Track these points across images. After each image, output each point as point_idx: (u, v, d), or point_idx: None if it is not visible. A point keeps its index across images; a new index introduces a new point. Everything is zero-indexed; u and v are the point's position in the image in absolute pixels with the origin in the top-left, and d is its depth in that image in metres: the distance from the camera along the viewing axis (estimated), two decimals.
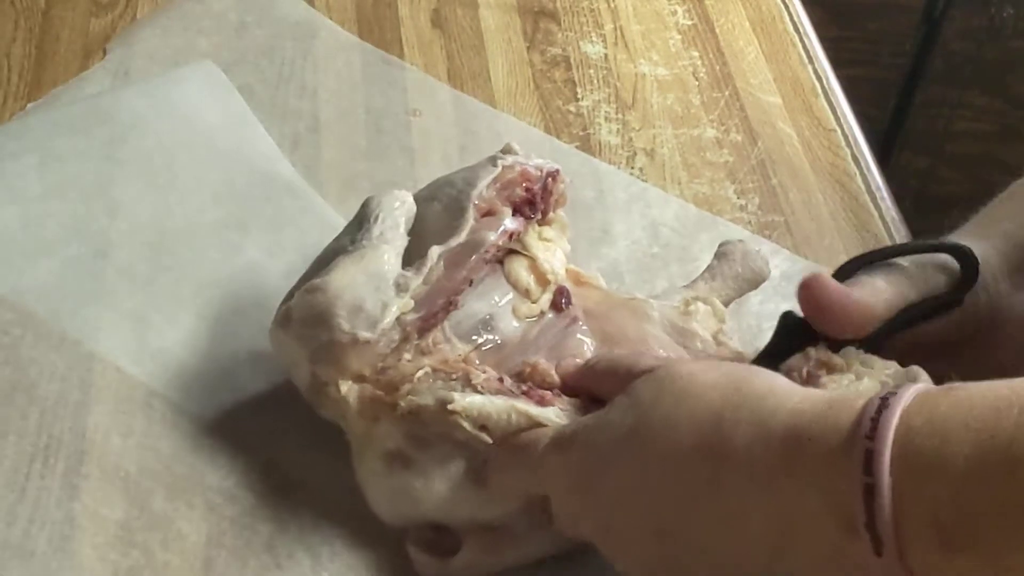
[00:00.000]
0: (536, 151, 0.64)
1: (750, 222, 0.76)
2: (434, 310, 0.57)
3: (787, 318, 0.58)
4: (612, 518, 0.51)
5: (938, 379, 0.55)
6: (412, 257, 0.58)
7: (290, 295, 0.58)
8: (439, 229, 0.59)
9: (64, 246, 0.67)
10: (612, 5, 0.92)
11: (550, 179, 0.62)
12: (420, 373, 0.56)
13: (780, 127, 0.83)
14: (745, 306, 0.70)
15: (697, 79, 0.86)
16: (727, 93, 0.85)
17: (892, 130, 1.63)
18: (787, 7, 0.94)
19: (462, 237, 0.59)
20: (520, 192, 0.61)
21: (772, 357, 0.57)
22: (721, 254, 0.66)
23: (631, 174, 0.79)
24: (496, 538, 0.55)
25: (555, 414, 0.54)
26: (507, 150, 0.63)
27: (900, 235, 0.76)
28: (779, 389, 0.47)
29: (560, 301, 0.61)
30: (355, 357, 0.55)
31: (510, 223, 0.60)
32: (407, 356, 0.56)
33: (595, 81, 0.85)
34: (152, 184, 0.72)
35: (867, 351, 0.56)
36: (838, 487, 0.43)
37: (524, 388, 0.56)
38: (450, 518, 0.55)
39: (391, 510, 0.56)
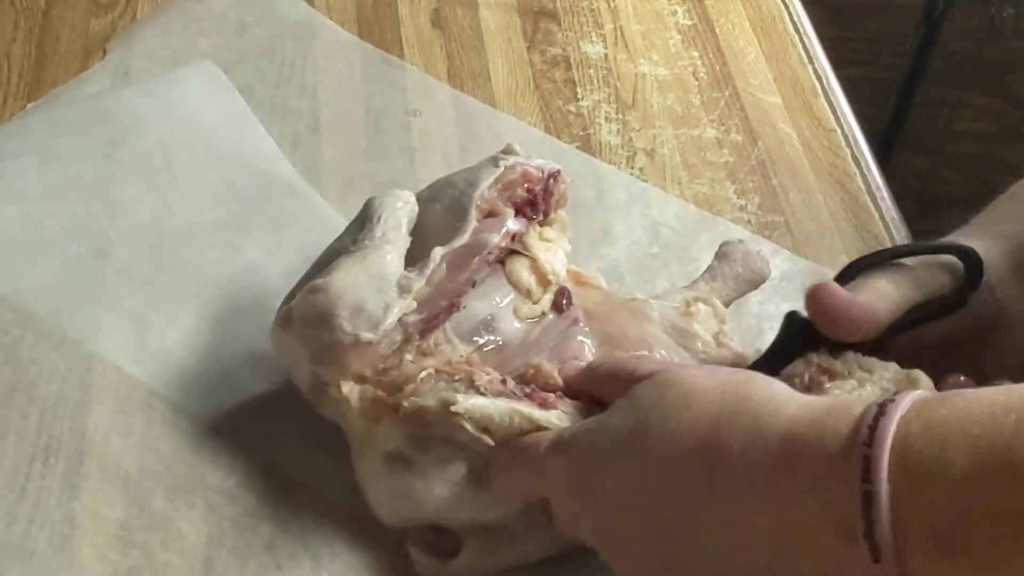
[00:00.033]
0: (536, 151, 0.64)
1: (750, 222, 0.76)
2: (436, 311, 0.57)
3: (792, 319, 0.58)
4: (612, 520, 0.51)
5: (942, 379, 0.55)
6: (413, 258, 0.58)
7: (291, 295, 0.58)
8: (441, 230, 0.59)
9: (64, 246, 0.67)
10: (612, 5, 0.92)
11: (551, 180, 0.62)
12: (423, 374, 0.56)
13: (780, 127, 0.83)
14: (745, 307, 0.70)
15: (697, 79, 0.86)
16: (727, 93, 0.85)
17: (892, 130, 1.63)
18: (787, 7, 0.94)
19: (465, 238, 0.59)
20: (522, 193, 0.61)
21: (776, 357, 0.57)
22: (721, 254, 0.66)
23: (631, 174, 0.79)
24: (496, 539, 0.55)
25: (557, 417, 0.54)
26: (508, 150, 0.63)
27: (900, 235, 0.76)
28: (777, 395, 0.47)
29: (561, 302, 0.61)
30: (357, 358, 0.55)
31: (512, 224, 0.60)
32: (408, 357, 0.56)
33: (595, 81, 0.85)
34: (152, 184, 0.72)
35: (870, 352, 0.56)
36: (836, 494, 0.43)
37: (527, 390, 0.56)
38: (450, 519, 0.55)
39: (391, 511, 0.56)
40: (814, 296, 0.55)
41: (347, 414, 0.56)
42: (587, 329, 0.60)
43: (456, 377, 0.55)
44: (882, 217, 0.78)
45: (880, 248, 0.74)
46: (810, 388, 0.55)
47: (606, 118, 0.82)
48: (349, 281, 0.56)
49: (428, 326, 0.57)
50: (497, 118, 0.81)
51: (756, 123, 0.83)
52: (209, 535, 0.56)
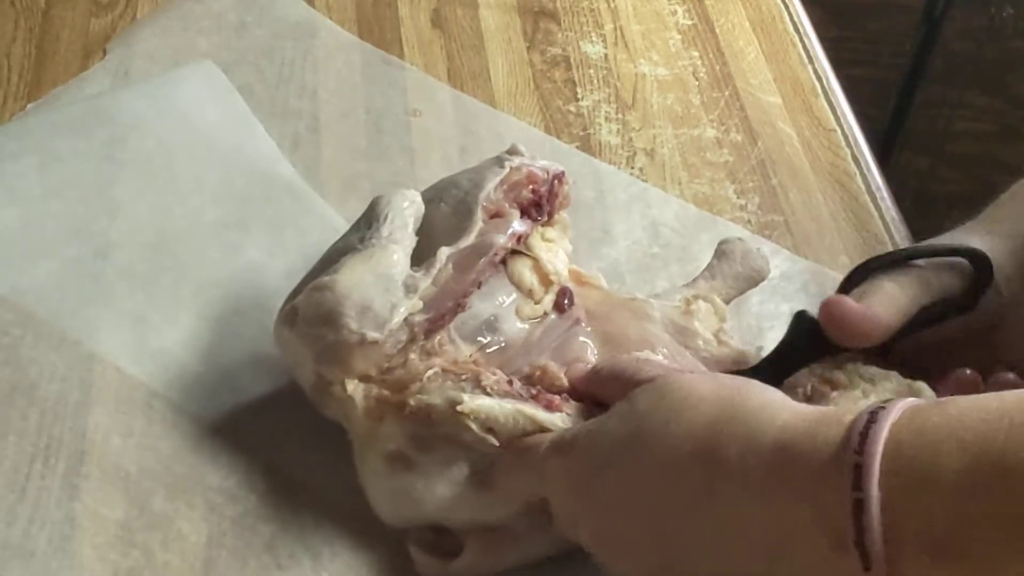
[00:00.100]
0: (536, 151, 0.64)
1: (750, 222, 0.76)
2: (442, 312, 0.57)
3: (801, 319, 0.58)
4: (610, 523, 0.51)
5: (947, 375, 0.56)
6: (418, 257, 0.58)
7: (295, 293, 0.58)
8: (446, 230, 0.59)
9: (64, 246, 0.67)
10: (612, 5, 0.92)
11: (556, 181, 0.62)
12: (430, 372, 0.56)
13: (780, 127, 0.83)
14: (745, 306, 0.70)
15: (697, 79, 0.86)
16: (727, 93, 0.85)
17: (892, 130, 1.64)
18: (787, 7, 0.94)
19: (471, 239, 0.58)
20: (527, 194, 0.61)
21: (784, 356, 0.57)
22: (721, 253, 0.66)
23: (631, 174, 0.79)
24: (497, 539, 0.55)
25: (562, 419, 0.54)
26: (513, 151, 0.63)
27: (900, 235, 0.76)
28: (772, 403, 0.47)
29: (563, 302, 0.61)
30: (362, 357, 0.55)
31: (518, 226, 0.60)
32: (413, 356, 0.56)
33: (595, 81, 0.85)
34: (152, 184, 0.72)
35: (877, 354, 0.56)
36: (828, 502, 0.43)
37: (533, 391, 0.56)
38: (451, 519, 0.55)
39: (392, 511, 0.56)
40: (827, 309, 0.56)
41: (350, 413, 0.56)
42: (588, 329, 0.60)
43: (463, 377, 0.55)
44: (882, 217, 0.78)
45: (880, 247, 0.74)
46: (812, 398, 0.55)
47: (606, 118, 0.82)
48: (355, 280, 0.56)
49: (434, 326, 0.57)
50: (497, 118, 0.81)
51: (756, 123, 0.83)
52: (209, 535, 0.56)
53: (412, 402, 0.55)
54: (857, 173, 0.81)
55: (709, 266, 0.66)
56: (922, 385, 0.54)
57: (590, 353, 0.59)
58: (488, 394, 0.54)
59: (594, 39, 0.89)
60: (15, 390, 0.60)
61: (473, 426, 0.54)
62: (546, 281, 0.61)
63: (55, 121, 0.74)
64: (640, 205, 0.76)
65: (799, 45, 0.90)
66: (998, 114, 1.62)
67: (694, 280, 0.65)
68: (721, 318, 0.62)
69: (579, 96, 0.84)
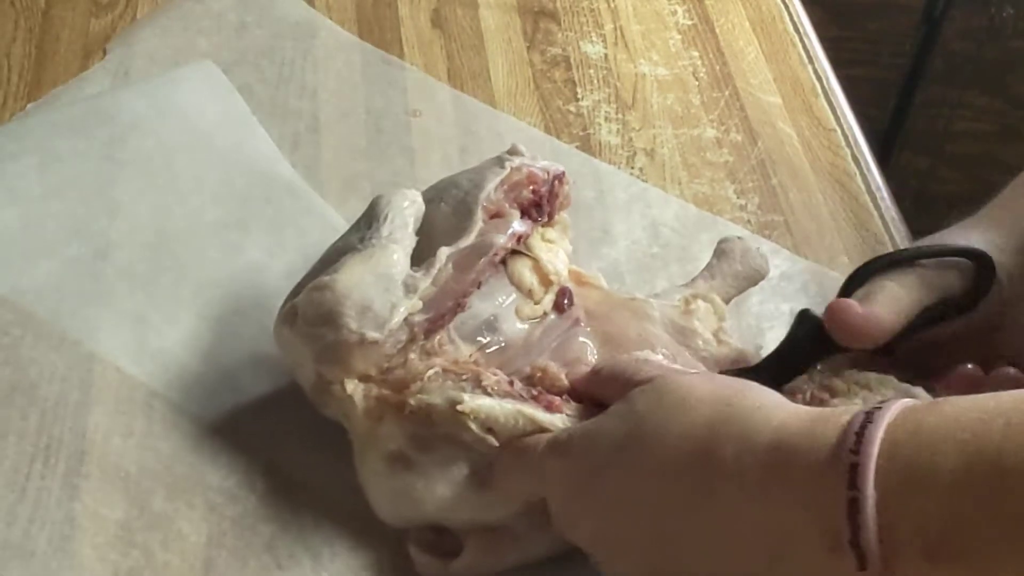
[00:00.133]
0: (536, 151, 0.64)
1: (750, 222, 0.76)
2: (442, 312, 0.57)
3: (804, 317, 0.58)
4: (606, 525, 0.51)
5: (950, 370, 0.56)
6: (418, 257, 0.58)
7: (295, 292, 0.58)
8: (446, 230, 0.59)
9: (64, 246, 0.67)
10: (612, 5, 0.92)
11: (556, 181, 0.62)
12: (430, 372, 0.56)
13: (780, 127, 0.83)
14: (745, 306, 0.70)
15: (697, 79, 0.86)
16: (727, 93, 0.85)
17: (892, 130, 1.64)
18: (787, 7, 0.94)
19: (471, 239, 0.58)
20: (527, 194, 0.61)
21: (787, 355, 0.57)
22: (720, 252, 0.66)
23: (631, 174, 0.79)
24: (497, 539, 0.55)
25: (562, 421, 0.54)
26: (513, 151, 0.63)
27: (900, 235, 0.76)
28: (769, 403, 0.48)
29: (563, 302, 0.61)
30: (362, 357, 0.55)
31: (518, 226, 0.60)
32: (413, 356, 0.56)
33: (595, 81, 0.85)
34: (152, 184, 0.72)
35: (879, 353, 0.56)
36: (823, 501, 0.43)
37: (534, 392, 0.56)
38: (451, 520, 0.55)
39: (392, 511, 0.56)
40: (832, 314, 0.56)
41: (350, 413, 0.56)
42: (588, 329, 0.60)
43: (463, 377, 0.55)
44: (882, 217, 0.78)
45: (880, 247, 0.74)
46: (811, 405, 0.55)
47: (606, 118, 0.82)
48: (355, 280, 0.56)
49: (433, 326, 0.57)
50: (497, 118, 0.81)
51: (756, 123, 0.83)
52: (209, 535, 0.56)
53: (412, 402, 0.55)
54: (857, 173, 0.81)
55: (708, 265, 0.66)
56: (919, 390, 0.55)
57: (590, 353, 0.59)
58: (488, 394, 0.54)
59: (594, 39, 0.89)
60: (15, 390, 0.60)
61: (473, 426, 0.54)
62: (546, 281, 0.61)
63: (55, 121, 0.74)
64: (640, 205, 0.76)
65: (799, 45, 0.90)
66: (998, 114, 1.62)
67: (693, 279, 0.65)
68: (720, 317, 0.62)
69: (579, 96, 0.84)
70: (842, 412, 0.45)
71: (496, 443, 0.54)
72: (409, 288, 0.56)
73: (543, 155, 0.64)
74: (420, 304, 0.56)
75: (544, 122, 0.81)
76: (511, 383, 0.56)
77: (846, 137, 0.83)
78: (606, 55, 0.87)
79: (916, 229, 0.77)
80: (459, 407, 0.53)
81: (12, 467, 0.57)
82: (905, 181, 1.63)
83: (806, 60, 0.89)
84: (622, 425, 0.50)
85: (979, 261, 0.57)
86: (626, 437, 0.50)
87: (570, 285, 0.62)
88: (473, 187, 0.60)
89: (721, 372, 0.59)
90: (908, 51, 1.59)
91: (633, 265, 0.72)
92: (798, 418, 0.46)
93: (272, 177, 0.74)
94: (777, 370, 0.57)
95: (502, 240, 0.59)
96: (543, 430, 0.54)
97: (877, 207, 0.78)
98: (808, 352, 0.57)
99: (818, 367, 0.58)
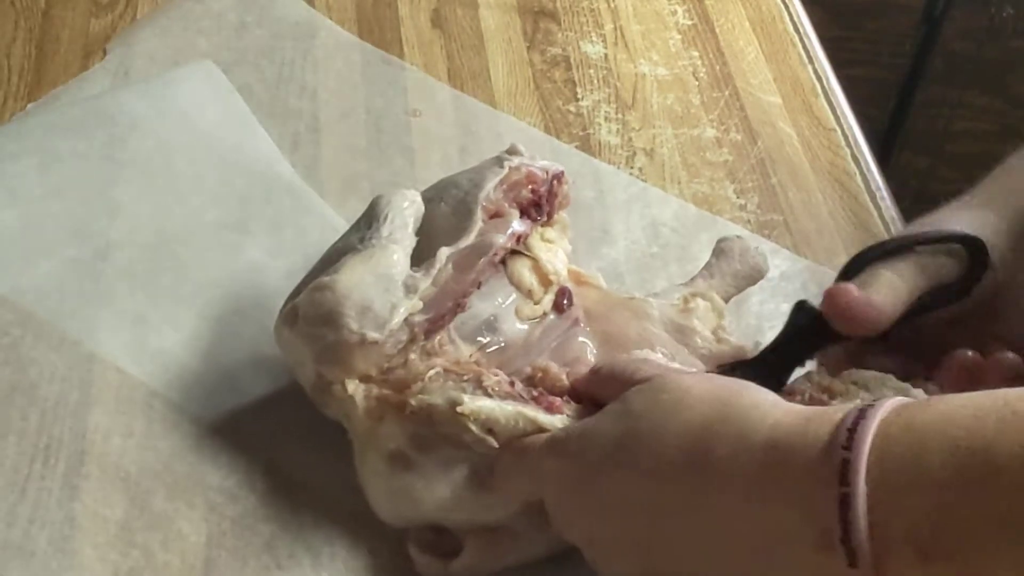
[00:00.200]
0: (536, 151, 0.64)
1: (749, 221, 0.76)
2: (442, 312, 0.57)
3: (801, 309, 0.58)
4: (601, 525, 0.51)
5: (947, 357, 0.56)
6: (418, 257, 0.58)
7: (295, 293, 0.58)
8: (446, 230, 0.59)
9: (64, 246, 0.67)
10: (612, 5, 0.92)
11: (555, 181, 0.62)
12: (431, 372, 0.56)
13: (780, 127, 0.83)
14: (745, 306, 0.70)
15: (697, 79, 0.86)
16: (727, 93, 0.85)
17: (892, 130, 1.64)
18: (787, 7, 0.94)
19: (470, 239, 0.58)
20: (526, 194, 0.61)
21: (784, 347, 0.57)
22: (719, 251, 0.66)
23: (631, 174, 0.79)
24: (497, 539, 0.55)
25: (561, 422, 0.54)
26: (512, 151, 0.63)
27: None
28: (765, 402, 0.47)
29: (562, 302, 0.61)
30: (362, 357, 0.55)
31: (518, 226, 0.60)
32: (413, 356, 0.56)
33: (595, 81, 0.85)
34: (152, 185, 0.72)
35: (876, 341, 0.56)
36: (815, 499, 0.42)
37: (535, 393, 0.56)
38: (451, 520, 0.55)
39: (392, 511, 0.56)
40: (831, 297, 0.56)
41: (351, 413, 0.56)
42: (587, 329, 0.60)
43: (464, 377, 0.55)
44: (881, 216, 0.78)
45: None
46: (809, 406, 0.55)
47: (606, 118, 0.82)
48: (356, 280, 0.56)
49: (434, 326, 0.57)
50: (497, 118, 0.81)
51: (756, 123, 0.83)
52: (209, 535, 0.56)
53: (413, 402, 0.55)
54: (857, 173, 0.81)
55: (708, 264, 0.66)
56: (919, 391, 0.55)
57: (589, 353, 0.59)
58: (489, 395, 0.54)
59: (594, 39, 0.89)
60: (15, 390, 0.60)
61: (473, 427, 0.54)
62: (545, 281, 0.61)
63: (55, 122, 0.74)
64: (639, 205, 0.76)
65: (799, 45, 0.90)
66: (998, 114, 1.62)
67: (692, 279, 0.65)
68: (720, 316, 0.62)
69: (579, 96, 0.84)
70: (836, 410, 0.45)
71: (496, 444, 0.54)
72: (409, 288, 0.56)
73: (543, 155, 0.64)
74: (420, 304, 0.56)
75: (544, 122, 0.82)
76: (512, 384, 0.56)
77: (846, 137, 0.83)
78: (606, 55, 0.87)
79: None
80: (459, 409, 0.53)
81: (12, 467, 0.57)
82: (905, 181, 1.63)
83: (806, 60, 0.89)
84: (618, 424, 0.50)
85: (972, 247, 0.57)
86: (622, 436, 0.49)
87: (569, 285, 0.62)
88: (473, 187, 0.60)
89: (718, 366, 0.59)
90: (908, 51, 1.59)
91: (633, 265, 0.72)
92: (793, 416, 0.46)
93: (272, 177, 0.74)
94: (774, 362, 0.57)
95: (502, 240, 0.59)
96: (543, 431, 0.54)
97: (877, 207, 0.78)
98: (805, 343, 0.57)
99: (816, 369, 0.58)
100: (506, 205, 0.60)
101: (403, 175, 0.75)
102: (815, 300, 0.58)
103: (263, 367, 0.63)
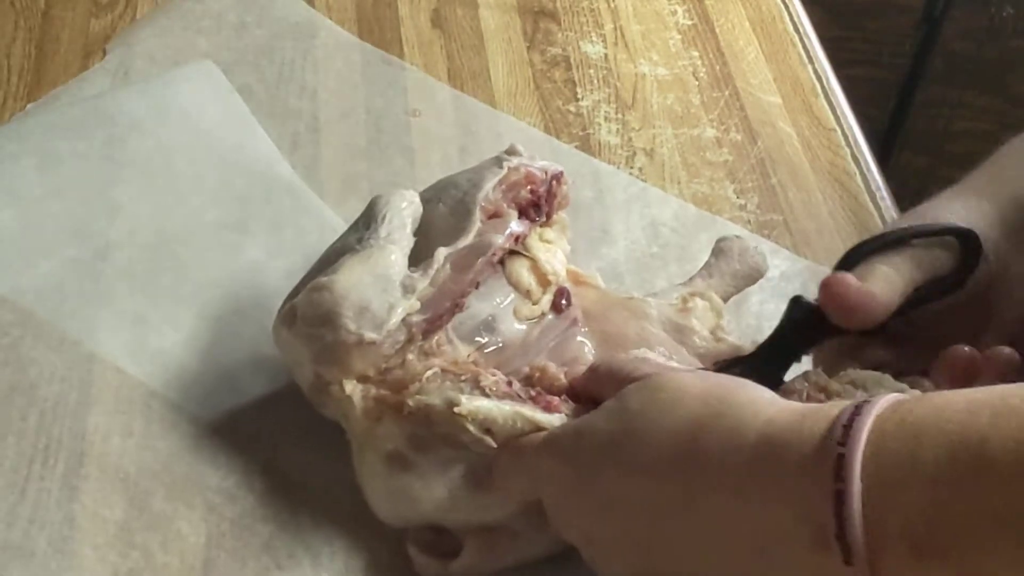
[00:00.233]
0: (536, 151, 0.64)
1: (749, 221, 0.76)
2: (440, 312, 0.57)
3: (797, 303, 0.58)
4: (596, 524, 0.51)
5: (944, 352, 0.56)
6: (416, 257, 0.58)
7: (294, 292, 0.58)
8: (445, 230, 0.59)
9: (64, 246, 0.67)
10: (612, 5, 0.92)
11: (554, 181, 0.62)
12: (429, 373, 0.56)
13: (780, 127, 0.83)
14: (745, 306, 0.70)
15: (697, 79, 0.86)
16: (727, 93, 0.85)
17: (892, 130, 1.64)
18: (787, 7, 0.94)
19: (469, 239, 0.58)
20: (525, 194, 0.61)
21: (780, 343, 0.57)
22: (718, 250, 0.66)
23: (631, 174, 0.79)
24: (496, 539, 0.55)
25: (560, 421, 0.54)
26: (511, 151, 0.63)
27: None
28: (760, 400, 0.47)
29: (560, 302, 0.61)
30: (360, 357, 0.55)
31: (516, 226, 0.60)
32: (411, 357, 0.56)
33: (595, 81, 0.85)
34: (152, 185, 0.72)
35: (871, 334, 0.56)
36: (810, 495, 0.42)
37: (532, 393, 0.56)
38: (449, 520, 0.55)
39: (391, 511, 0.56)
40: (828, 287, 0.55)
41: (349, 413, 0.56)
42: (586, 329, 0.60)
43: (462, 377, 0.55)
44: (881, 216, 0.78)
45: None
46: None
47: (606, 118, 0.82)
48: (354, 280, 0.56)
49: (432, 326, 0.57)
50: (497, 118, 0.81)
51: (756, 123, 0.83)
52: (208, 535, 0.56)
53: (411, 402, 0.55)
54: (857, 172, 0.81)
55: (707, 264, 0.66)
56: (916, 391, 0.54)
57: (587, 353, 0.59)
58: (487, 395, 0.54)
59: (594, 39, 0.89)
60: (15, 390, 0.60)
61: (471, 427, 0.54)
62: (544, 282, 0.61)
63: (55, 122, 0.74)
64: (639, 205, 0.76)
65: (799, 45, 0.90)
66: (998, 114, 1.62)
67: (692, 278, 0.65)
68: (718, 315, 0.62)
69: (579, 96, 0.84)
70: (831, 406, 0.45)
71: (494, 444, 0.54)
72: (407, 289, 0.56)
73: (543, 155, 0.64)
74: (418, 305, 0.56)
75: (544, 122, 0.82)
76: (509, 383, 0.56)
77: (846, 137, 0.83)
78: (606, 55, 0.87)
79: None
80: (457, 409, 0.53)
81: (12, 468, 0.57)
82: (905, 181, 1.62)
83: (806, 60, 0.89)
84: (614, 421, 0.50)
85: (967, 239, 0.57)
86: (617, 434, 0.49)
87: (568, 285, 0.62)
88: (471, 187, 0.60)
89: (715, 363, 0.59)
90: (908, 51, 1.59)
91: (632, 265, 0.72)
92: (788, 413, 0.46)
93: (272, 177, 0.74)
94: (770, 357, 0.57)
95: (500, 240, 0.59)
96: (541, 431, 0.54)
97: (877, 207, 0.78)
98: (802, 338, 0.57)
99: (813, 368, 0.58)
100: (505, 205, 0.60)
101: (403, 175, 0.75)
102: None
103: (262, 367, 0.63)
